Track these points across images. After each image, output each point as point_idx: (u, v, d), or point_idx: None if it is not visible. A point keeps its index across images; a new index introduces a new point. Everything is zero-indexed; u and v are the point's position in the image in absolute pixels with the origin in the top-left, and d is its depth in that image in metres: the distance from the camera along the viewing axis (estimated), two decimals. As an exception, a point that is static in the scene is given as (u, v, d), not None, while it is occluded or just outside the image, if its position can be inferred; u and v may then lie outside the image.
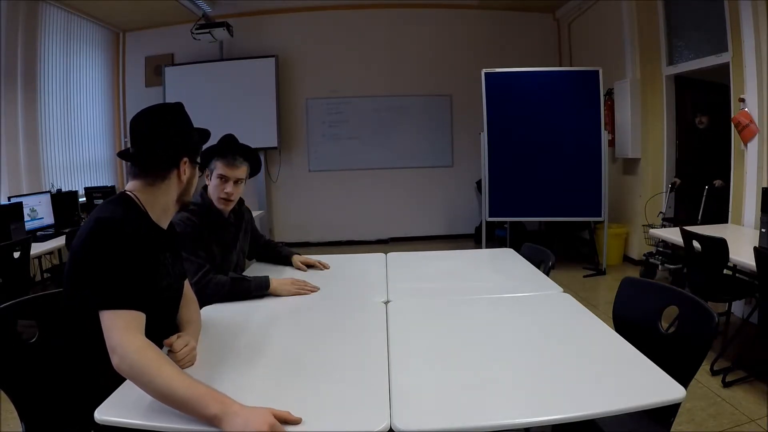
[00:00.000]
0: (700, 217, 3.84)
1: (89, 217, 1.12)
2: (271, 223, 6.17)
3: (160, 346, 1.07)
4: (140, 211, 1.17)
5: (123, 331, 0.99)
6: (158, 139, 1.19)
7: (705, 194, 3.84)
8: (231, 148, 1.81)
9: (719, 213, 3.66)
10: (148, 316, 1.09)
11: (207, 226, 1.78)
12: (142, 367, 0.94)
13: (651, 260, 4.10)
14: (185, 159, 1.22)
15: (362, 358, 1.20)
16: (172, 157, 1.21)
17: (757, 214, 3.04)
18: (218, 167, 1.79)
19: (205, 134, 1.34)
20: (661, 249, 4.09)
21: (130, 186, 1.21)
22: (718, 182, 3.78)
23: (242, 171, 1.83)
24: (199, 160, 1.31)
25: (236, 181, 1.81)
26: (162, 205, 1.22)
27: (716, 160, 3.81)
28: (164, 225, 1.25)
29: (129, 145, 1.24)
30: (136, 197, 1.18)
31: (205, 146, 1.41)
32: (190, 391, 0.91)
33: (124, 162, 5.97)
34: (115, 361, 0.96)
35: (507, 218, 4.96)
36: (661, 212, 4.27)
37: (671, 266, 3.94)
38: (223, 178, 1.79)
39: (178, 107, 1.27)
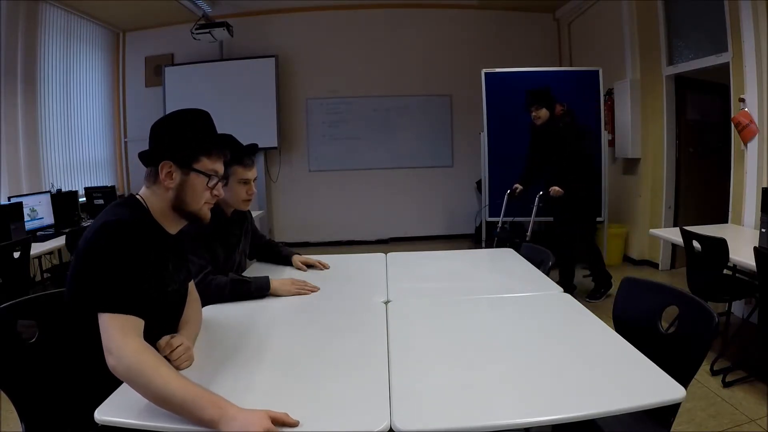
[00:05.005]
0: (529, 232, 3.53)
1: (97, 219, 1.12)
2: (271, 223, 6.17)
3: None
4: (147, 214, 1.17)
5: (121, 333, 0.98)
6: (151, 139, 1.20)
7: (536, 203, 3.61)
8: (245, 151, 1.82)
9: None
10: (153, 320, 1.09)
11: (210, 226, 1.77)
12: (140, 369, 0.93)
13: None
14: (168, 162, 1.16)
15: (362, 358, 1.20)
16: (154, 157, 1.18)
17: (757, 214, 3.04)
18: (238, 172, 1.79)
19: (227, 141, 1.31)
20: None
21: (141, 189, 1.22)
22: (554, 189, 3.44)
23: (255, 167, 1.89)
24: (202, 168, 1.19)
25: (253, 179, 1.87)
26: (160, 210, 1.20)
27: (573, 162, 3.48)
28: (171, 230, 1.24)
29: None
30: (143, 199, 1.19)
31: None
32: (186, 394, 0.91)
33: (124, 162, 5.96)
34: (111, 362, 0.96)
35: (507, 218, 4.95)
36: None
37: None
38: (246, 181, 1.82)
39: (193, 114, 1.22)
